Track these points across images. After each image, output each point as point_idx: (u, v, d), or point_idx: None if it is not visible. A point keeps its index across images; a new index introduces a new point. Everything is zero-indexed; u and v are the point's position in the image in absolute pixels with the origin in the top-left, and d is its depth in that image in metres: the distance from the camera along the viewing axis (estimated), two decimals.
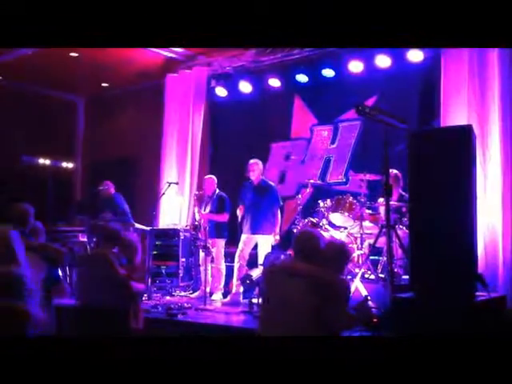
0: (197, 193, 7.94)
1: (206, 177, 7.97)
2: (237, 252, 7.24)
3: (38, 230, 4.38)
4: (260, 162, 7.46)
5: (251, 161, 7.45)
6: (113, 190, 8.28)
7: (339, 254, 3.93)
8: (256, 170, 7.34)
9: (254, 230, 7.17)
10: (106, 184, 8.33)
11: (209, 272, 7.33)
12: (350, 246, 6.41)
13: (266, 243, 7.11)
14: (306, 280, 3.63)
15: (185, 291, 7.97)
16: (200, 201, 7.73)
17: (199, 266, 7.77)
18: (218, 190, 7.74)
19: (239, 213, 7.26)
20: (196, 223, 7.48)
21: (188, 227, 8.48)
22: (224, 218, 7.57)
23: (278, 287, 3.77)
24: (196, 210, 7.69)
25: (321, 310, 3.59)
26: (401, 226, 6.09)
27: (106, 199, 8.23)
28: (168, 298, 7.46)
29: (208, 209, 7.63)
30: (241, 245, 7.23)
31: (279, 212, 7.36)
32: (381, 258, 6.24)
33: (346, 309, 3.82)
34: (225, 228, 7.63)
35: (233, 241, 7.89)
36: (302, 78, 8.40)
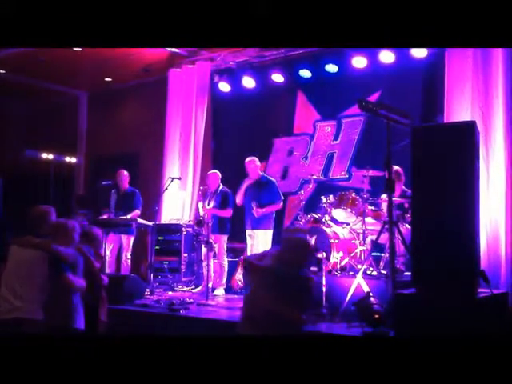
0: (201, 188, 7.91)
1: (210, 172, 7.94)
2: (248, 248, 7.27)
3: (57, 228, 4.42)
4: (256, 159, 7.46)
5: (247, 160, 7.47)
6: (127, 183, 8.23)
7: (299, 248, 4.07)
8: (252, 167, 7.34)
9: (255, 225, 7.17)
10: (123, 174, 8.24)
11: (211, 267, 7.33)
12: (353, 241, 6.41)
13: (265, 238, 7.10)
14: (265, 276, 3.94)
15: (187, 286, 7.98)
16: (204, 196, 7.71)
17: (201, 261, 7.77)
18: (221, 186, 7.72)
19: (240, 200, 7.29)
20: (200, 218, 7.47)
21: (191, 222, 8.48)
22: (227, 213, 7.55)
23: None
24: (200, 205, 7.67)
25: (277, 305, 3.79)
26: (403, 223, 6.08)
27: (125, 194, 8.18)
28: (170, 293, 7.47)
29: (212, 204, 7.59)
30: (248, 241, 7.27)
31: (281, 204, 7.35)
32: (383, 254, 6.23)
33: (298, 305, 3.94)
34: (228, 223, 7.61)
35: (235, 236, 7.90)
36: (305, 73, 8.38)
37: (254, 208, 7.10)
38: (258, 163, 7.46)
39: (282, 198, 7.38)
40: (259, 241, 7.11)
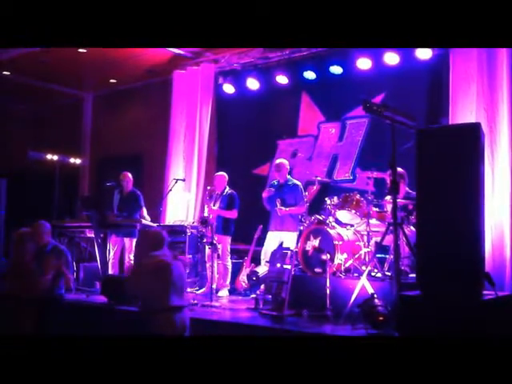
0: (209, 187, 7.89)
1: (217, 174, 7.93)
2: (262, 249, 7.25)
3: None
4: (286, 161, 7.46)
5: (278, 161, 7.50)
6: (131, 185, 8.23)
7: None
8: (282, 169, 7.33)
9: (279, 227, 7.17)
10: (127, 176, 8.22)
11: (215, 268, 7.33)
12: (357, 243, 6.40)
13: (290, 240, 7.06)
14: None
15: (191, 288, 7.97)
16: (210, 196, 7.72)
17: (205, 262, 7.77)
18: (228, 188, 7.74)
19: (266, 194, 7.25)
20: (205, 218, 7.46)
21: (195, 223, 8.48)
22: (233, 214, 7.57)
23: None
24: (206, 205, 7.66)
25: None
26: (408, 225, 6.06)
27: (128, 195, 8.20)
28: None
29: (217, 205, 7.62)
30: (267, 241, 7.24)
31: (304, 207, 7.25)
32: (387, 256, 6.21)
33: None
34: (232, 225, 7.63)
35: (240, 238, 7.90)
36: (309, 74, 8.38)
37: (278, 206, 7.09)
38: (288, 166, 7.45)
39: (306, 201, 7.21)
40: (285, 242, 7.08)
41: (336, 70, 8.10)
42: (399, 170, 6.31)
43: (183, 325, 4.45)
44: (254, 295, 6.81)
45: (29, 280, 4.91)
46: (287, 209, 7.08)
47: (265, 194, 7.27)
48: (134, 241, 7.88)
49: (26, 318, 4.77)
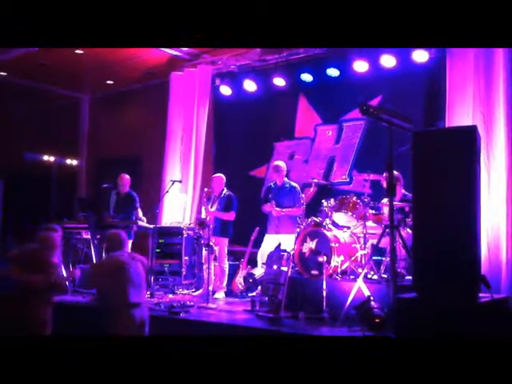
0: (206, 190, 7.88)
1: (215, 175, 7.93)
2: (259, 251, 7.26)
3: None
4: (284, 164, 7.50)
5: (275, 163, 7.54)
6: (128, 187, 8.23)
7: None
8: (281, 171, 7.37)
9: (278, 230, 7.19)
10: (124, 178, 8.22)
11: (212, 270, 7.33)
12: (353, 245, 6.41)
13: (288, 242, 7.06)
14: None
15: (187, 289, 7.98)
16: (208, 198, 7.72)
17: (202, 264, 7.77)
18: (226, 189, 7.73)
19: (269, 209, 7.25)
20: (202, 220, 7.45)
21: (192, 225, 8.48)
22: (231, 216, 7.57)
23: None
24: (203, 207, 7.67)
25: None
26: (404, 227, 6.07)
27: (124, 197, 8.20)
28: (171, 296, 7.46)
29: (215, 207, 7.62)
30: (263, 243, 7.26)
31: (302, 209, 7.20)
32: (384, 258, 6.22)
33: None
34: (230, 227, 7.62)
35: (236, 240, 7.90)
36: (306, 77, 8.40)
37: (274, 207, 7.10)
38: (285, 168, 7.49)
39: (303, 203, 7.12)
40: (283, 244, 7.08)
41: (333, 72, 8.12)
42: (394, 173, 6.32)
43: (142, 320, 4.70)
44: (250, 295, 6.82)
45: (58, 281, 5.00)
46: (284, 210, 7.10)
47: (267, 208, 7.28)
48: (130, 242, 7.91)
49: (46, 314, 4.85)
